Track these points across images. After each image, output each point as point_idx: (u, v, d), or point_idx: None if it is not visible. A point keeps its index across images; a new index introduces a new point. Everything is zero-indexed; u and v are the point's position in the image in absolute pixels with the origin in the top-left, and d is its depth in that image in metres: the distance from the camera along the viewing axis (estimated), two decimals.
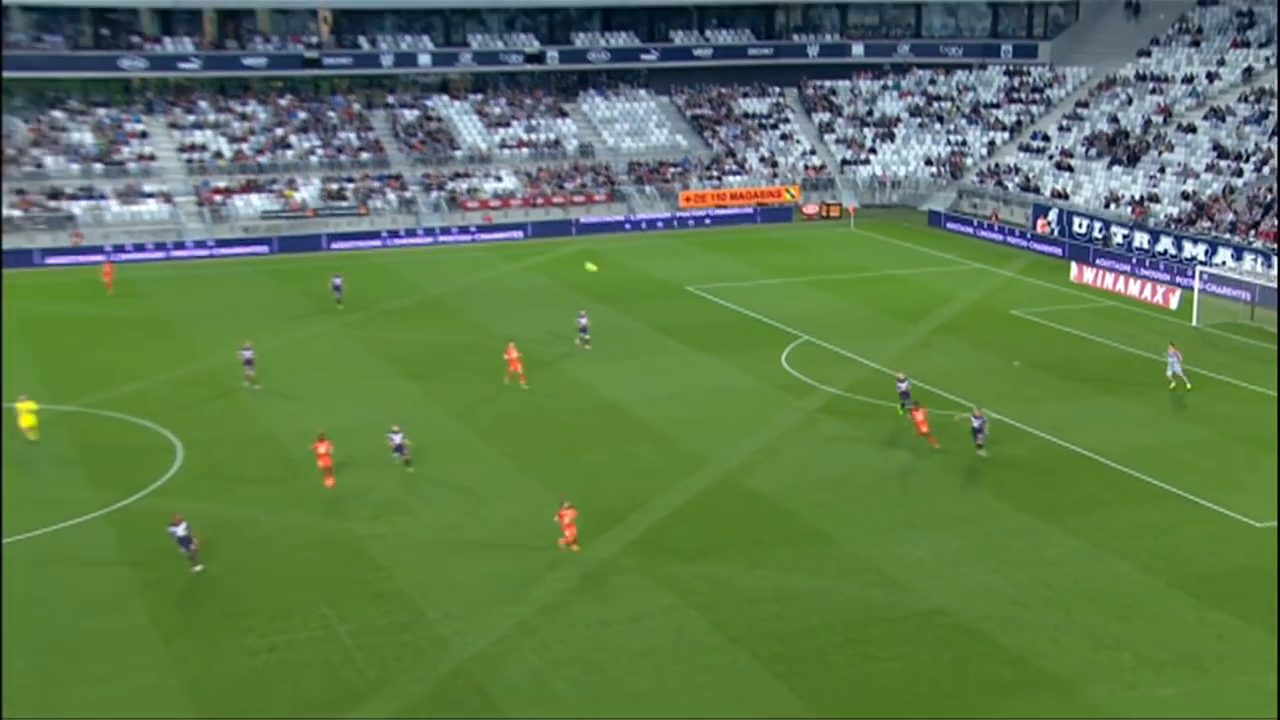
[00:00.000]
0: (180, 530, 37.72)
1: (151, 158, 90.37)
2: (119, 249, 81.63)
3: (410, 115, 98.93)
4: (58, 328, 65.92)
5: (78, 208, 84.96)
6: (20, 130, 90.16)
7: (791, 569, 38.70)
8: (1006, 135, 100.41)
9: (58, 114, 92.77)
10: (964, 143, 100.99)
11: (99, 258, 79.84)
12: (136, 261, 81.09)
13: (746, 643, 34.35)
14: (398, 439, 45.44)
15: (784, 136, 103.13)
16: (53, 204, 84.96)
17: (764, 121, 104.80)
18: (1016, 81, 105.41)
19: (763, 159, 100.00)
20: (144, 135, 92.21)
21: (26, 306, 69.81)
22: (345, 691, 32.26)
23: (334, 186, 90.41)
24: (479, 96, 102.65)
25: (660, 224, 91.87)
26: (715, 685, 32.52)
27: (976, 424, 46.76)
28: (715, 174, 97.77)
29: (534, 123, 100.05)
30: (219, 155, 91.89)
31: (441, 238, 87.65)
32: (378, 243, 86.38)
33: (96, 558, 39.24)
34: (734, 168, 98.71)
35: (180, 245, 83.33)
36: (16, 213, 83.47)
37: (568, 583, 37.81)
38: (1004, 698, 31.83)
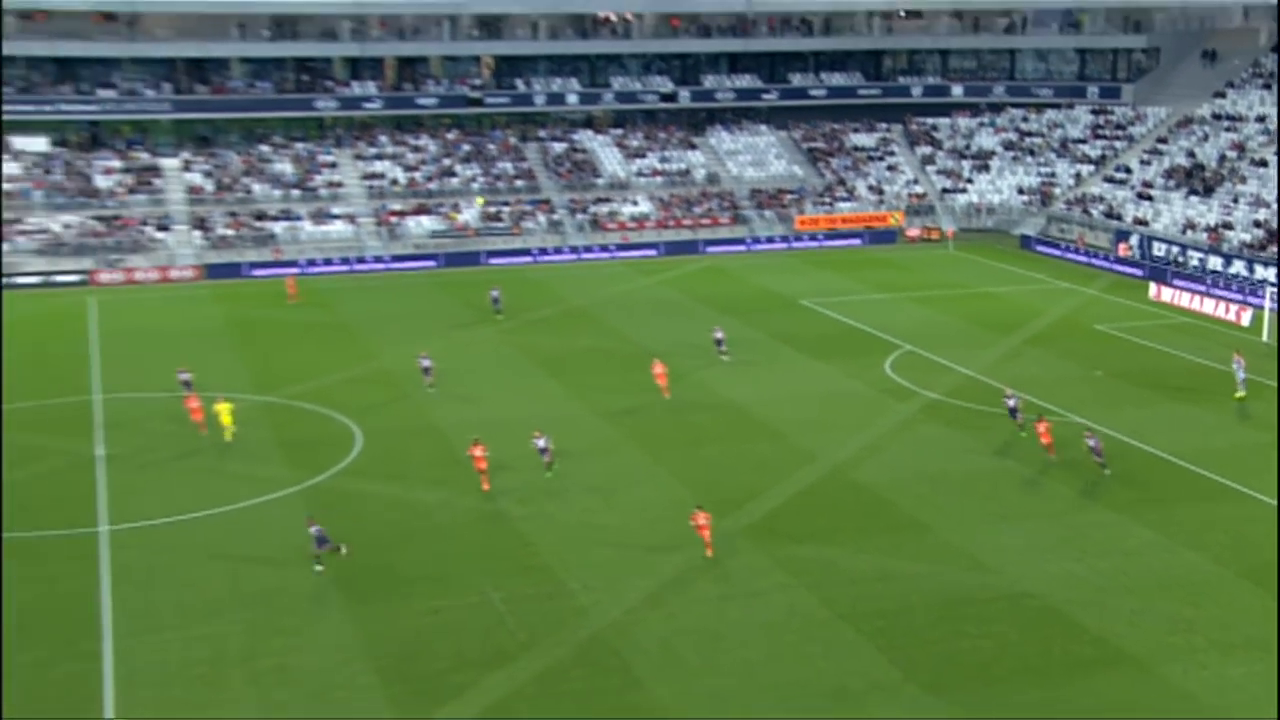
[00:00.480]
0: (315, 530, 37.14)
1: (339, 184, 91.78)
2: (311, 262, 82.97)
3: (559, 147, 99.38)
4: (261, 330, 67.17)
5: (278, 227, 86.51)
6: (234, 162, 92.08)
7: (892, 553, 38.28)
8: (1092, 168, 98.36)
9: (264, 148, 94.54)
10: (1053, 174, 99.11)
11: (294, 270, 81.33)
12: (325, 274, 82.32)
13: (852, 619, 34.05)
14: (541, 443, 45.21)
15: (890, 167, 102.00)
16: (258, 224, 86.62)
17: (872, 154, 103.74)
18: (1101, 120, 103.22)
19: (870, 187, 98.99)
20: (333, 165, 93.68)
21: (236, 311, 71.31)
22: (498, 650, 32.49)
23: (492, 210, 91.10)
24: (619, 131, 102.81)
25: (778, 244, 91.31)
26: (824, 655, 32.28)
27: (1091, 444, 44.82)
28: (827, 200, 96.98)
29: (667, 154, 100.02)
30: (395, 182, 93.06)
31: (584, 255, 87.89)
32: (529, 259, 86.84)
33: (293, 527, 39.90)
34: (844, 195, 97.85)
35: (361, 259, 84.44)
36: (229, 231, 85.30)
37: (692, 561, 37.72)
38: (1085, 674, 31.20)
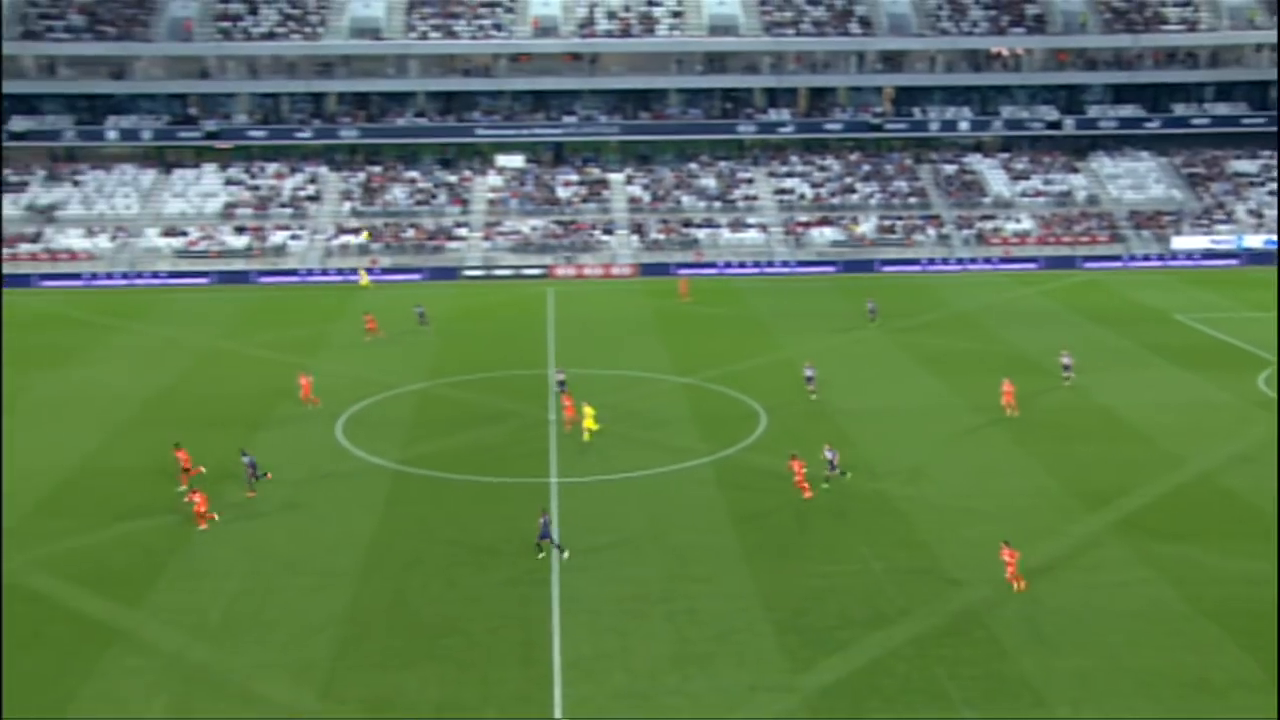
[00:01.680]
0: (544, 520, 35.62)
1: (755, 198, 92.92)
2: (727, 264, 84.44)
3: (950, 169, 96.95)
4: (683, 321, 68.79)
5: (702, 233, 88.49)
6: (668, 177, 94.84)
7: (1261, 559, 35.32)
8: None
9: (693, 165, 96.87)
10: None
11: (713, 270, 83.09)
12: (739, 275, 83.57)
13: (1216, 616, 31.71)
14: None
15: (1271, 192, 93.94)
16: (685, 230, 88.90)
17: (1254, 179, 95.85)
18: None
19: (1250, 211, 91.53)
20: (750, 181, 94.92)
21: (663, 304, 73.32)
22: (877, 613, 32.19)
23: (886, 223, 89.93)
24: (1006, 155, 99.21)
25: (1154, 262, 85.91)
26: (1186, 649, 30.25)
27: None
28: (1205, 222, 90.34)
29: (1050, 177, 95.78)
30: (803, 197, 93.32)
31: (969, 265, 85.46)
32: (918, 268, 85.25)
33: (703, 490, 40.81)
34: (1222, 218, 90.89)
35: (770, 263, 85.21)
36: (661, 236, 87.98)
37: (1060, 549, 36.14)
38: None
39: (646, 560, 35.50)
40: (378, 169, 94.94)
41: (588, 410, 45.81)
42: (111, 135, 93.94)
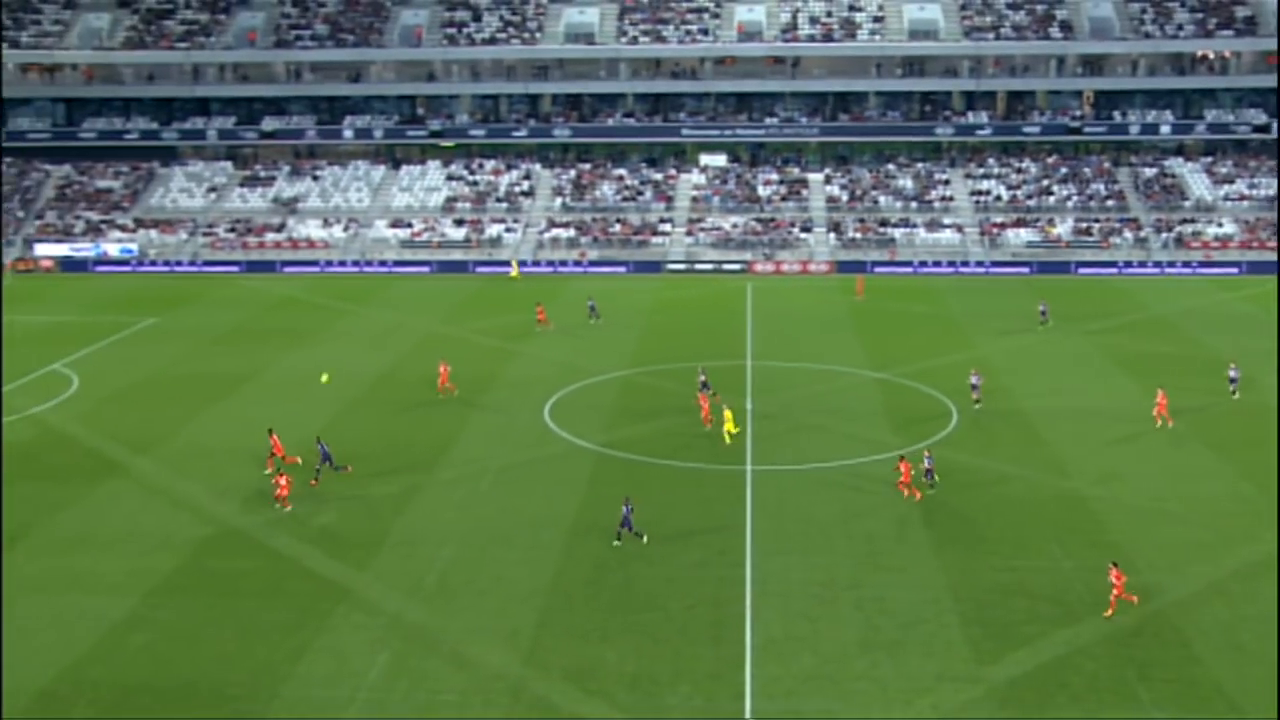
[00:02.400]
0: (626, 509, 35.12)
1: (950, 199, 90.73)
2: (922, 264, 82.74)
3: (1149, 172, 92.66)
4: (878, 318, 67.76)
5: (897, 233, 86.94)
6: (865, 177, 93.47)
7: None
8: None
9: (890, 166, 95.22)
10: None
11: (908, 270, 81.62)
12: (933, 274, 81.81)
13: None
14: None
15: None
16: (881, 229, 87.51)
17: None
18: None
19: None
20: (947, 182, 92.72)
21: (860, 302, 72.37)
22: (1066, 611, 31.16)
23: (1083, 225, 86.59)
24: (1209, 159, 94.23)
25: None
26: None
27: None
28: None
29: (1255, 181, 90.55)
30: (999, 198, 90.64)
31: (1167, 269, 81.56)
32: (1114, 270, 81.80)
33: (895, 485, 40.18)
34: None
35: (965, 263, 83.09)
36: (858, 235, 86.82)
37: (1258, 555, 34.25)
38: None
39: (837, 548, 35.16)
40: (588, 166, 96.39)
41: (727, 414, 44.53)
42: (347, 134, 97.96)
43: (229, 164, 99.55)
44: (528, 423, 47.62)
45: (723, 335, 63.02)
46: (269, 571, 33.91)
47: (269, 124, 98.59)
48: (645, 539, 35.40)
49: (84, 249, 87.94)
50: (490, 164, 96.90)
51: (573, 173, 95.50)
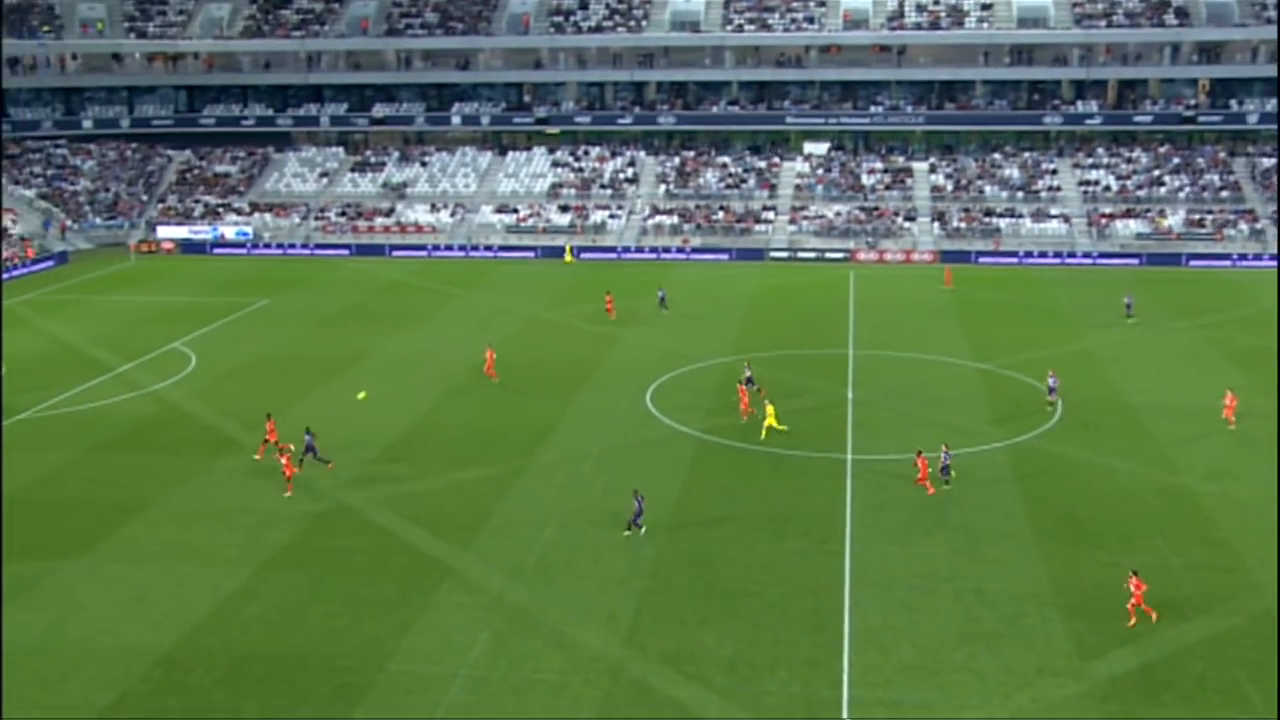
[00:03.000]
0: (638, 503, 35.30)
1: (1058, 189, 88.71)
2: (1028, 254, 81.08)
3: (1268, 162, 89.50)
4: (981, 308, 66.67)
5: (1003, 223, 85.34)
6: (971, 166, 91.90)
7: None
8: None
9: (997, 156, 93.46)
10: None
11: (1013, 260, 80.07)
12: (1039, 264, 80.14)
13: None
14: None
15: None
16: (986, 219, 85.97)
17: None
18: None
19: None
20: (1054, 172, 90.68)
21: (961, 291, 71.23)
22: (1172, 608, 30.37)
23: (1196, 217, 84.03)
24: None
25: None
26: None
27: None
28: None
29: None
30: (1108, 189, 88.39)
31: None
32: (1228, 263, 79.28)
33: (997, 475, 39.53)
34: None
35: (1071, 254, 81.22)
36: (962, 224, 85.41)
37: None
38: None
39: (937, 539, 34.70)
40: (691, 154, 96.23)
41: (769, 409, 43.40)
42: (455, 120, 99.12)
43: (340, 149, 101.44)
44: (629, 407, 47.77)
45: (825, 323, 62.51)
46: (376, 548, 34.55)
47: (380, 110, 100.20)
48: (644, 531, 35.09)
49: (202, 231, 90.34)
50: (595, 151, 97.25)
51: (677, 160, 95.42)
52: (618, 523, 36.08)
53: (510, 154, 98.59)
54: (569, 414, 46.98)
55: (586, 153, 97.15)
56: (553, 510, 37.27)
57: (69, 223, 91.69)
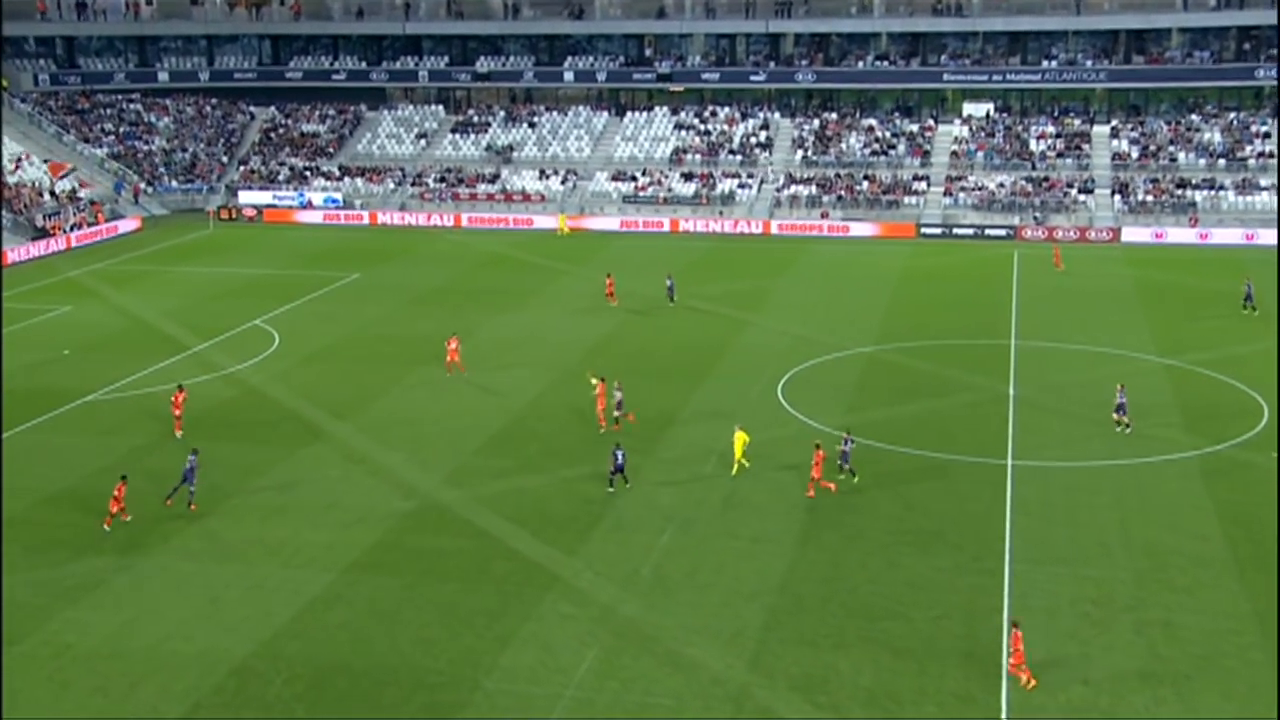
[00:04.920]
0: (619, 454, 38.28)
1: (1268, 155, 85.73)
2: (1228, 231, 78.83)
3: None
4: (1170, 295, 64.90)
5: (1198, 195, 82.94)
6: (1162, 130, 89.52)
7: None
8: None
9: (1194, 117, 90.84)
10: None
11: (1207, 239, 77.80)
12: (1245, 246, 77.71)
13: None
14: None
15: None
16: (1178, 192, 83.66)
17: None
18: None
19: None
20: (1265, 136, 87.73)
21: (1147, 275, 69.56)
22: None
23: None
24: None
25: None
26: None
27: None
28: None
29: None
30: None
31: None
32: None
33: (1189, 489, 38.47)
34: None
35: None
36: (1149, 198, 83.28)
37: None
38: None
39: (1114, 561, 33.92)
40: (833, 116, 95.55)
41: (740, 437, 40.40)
42: (568, 77, 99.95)
43: (440, 108, 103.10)
44: (758, 400, 47.68)
45: (983, 310, 61.57)
46: (473, 551, 35.06)
47: (484, 65, 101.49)
48: (629, 485, 38.65)
49: (287, 197, 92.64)
50: (724, 112, 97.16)
51: (816, 123, 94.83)
52: (745, 530, 36.04)
53: (628, 115, 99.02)
54: (690, 406, 47.03)
55: (714, 114, 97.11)
56: (671, 513, 37.36)
57: (143, 186, 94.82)
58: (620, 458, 38.79)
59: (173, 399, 44.91)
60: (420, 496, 39.05)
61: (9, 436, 44.55)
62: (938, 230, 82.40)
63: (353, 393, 49.10)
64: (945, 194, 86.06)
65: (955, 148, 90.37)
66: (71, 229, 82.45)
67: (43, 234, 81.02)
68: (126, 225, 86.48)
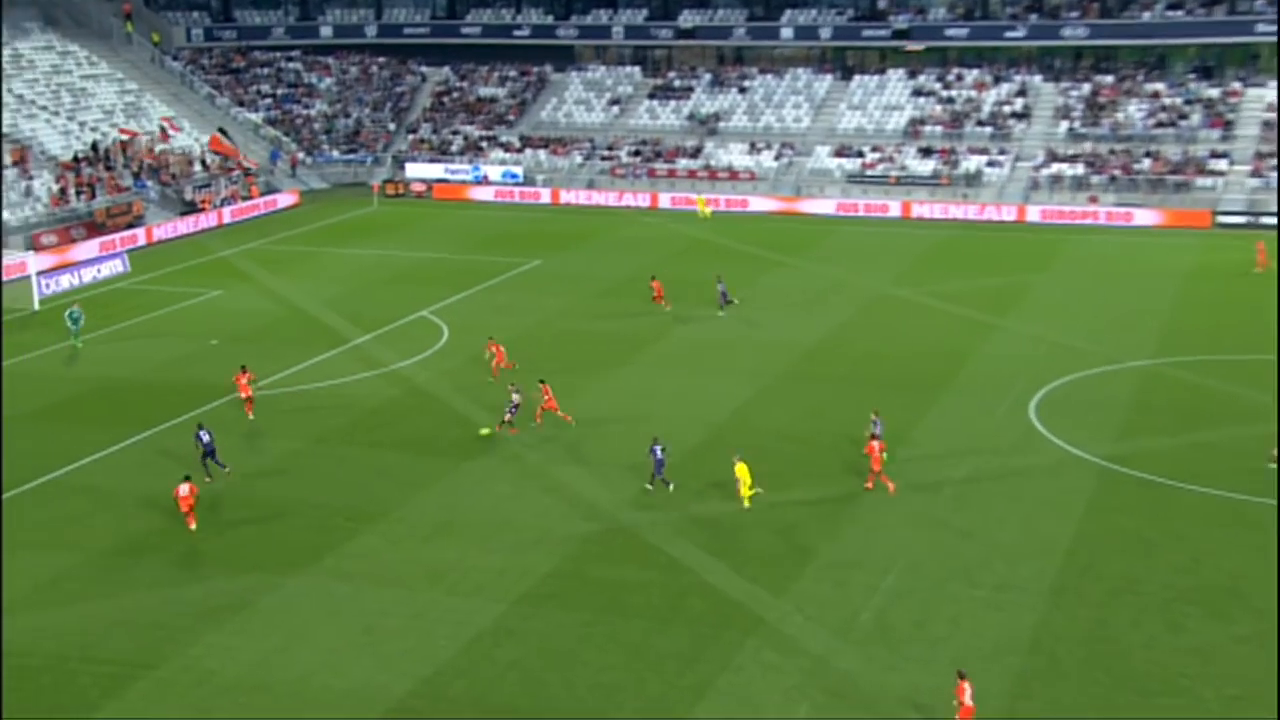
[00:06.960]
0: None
1: None
2: None
3: None
4: None
5: None
6: None
7: None
8: None
9: None
10: None
11: None
12: None
13: None
14: None
15: None
16: None
17: None
18: None
19: None
20: None
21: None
22: None
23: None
24: None
25: None
26: None
27: None
28: None
29: None
30: None
31: None
32: None
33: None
34: None
35: None
36: None
37: None
38: None
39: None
40: (1108, 79, 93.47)
41: (741, 469, 39.87)
42: (785, 34, 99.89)
43: (636, 70, 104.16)
44: (1006, 420, 46.92)
45: None
46: (664, 585, 35.20)
47: (688, 20, 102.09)
48: (671, 487, 40.00)
49: (460, 171, 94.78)
50: (972, 75, 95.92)
51: (1086, 88, 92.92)
52: (987, 575, 35.39)
53: (857, 78, 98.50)
54: (924, 424, 46.45)
55: (960, 77, 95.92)
56: (898, 551, 36.96)
57: (301, 155, 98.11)
58: (659, 453, 40.40)
59: (236, 380, 47.65)
60: (603, 519, 39.40)
61: (150, 434, 46.50)
62: (1240, 219, 79.82)
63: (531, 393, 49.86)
64: (1253, 174, 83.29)
65: (1267, 116, 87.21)
66: (223, 203, 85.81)
67: (192, 208, 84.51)
68: (283, 200, 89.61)
